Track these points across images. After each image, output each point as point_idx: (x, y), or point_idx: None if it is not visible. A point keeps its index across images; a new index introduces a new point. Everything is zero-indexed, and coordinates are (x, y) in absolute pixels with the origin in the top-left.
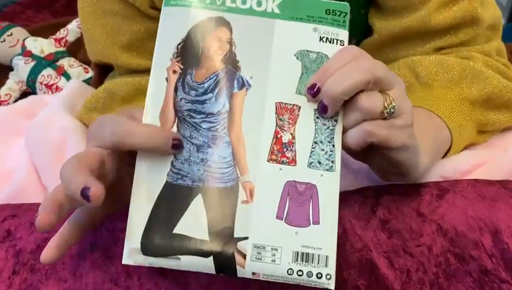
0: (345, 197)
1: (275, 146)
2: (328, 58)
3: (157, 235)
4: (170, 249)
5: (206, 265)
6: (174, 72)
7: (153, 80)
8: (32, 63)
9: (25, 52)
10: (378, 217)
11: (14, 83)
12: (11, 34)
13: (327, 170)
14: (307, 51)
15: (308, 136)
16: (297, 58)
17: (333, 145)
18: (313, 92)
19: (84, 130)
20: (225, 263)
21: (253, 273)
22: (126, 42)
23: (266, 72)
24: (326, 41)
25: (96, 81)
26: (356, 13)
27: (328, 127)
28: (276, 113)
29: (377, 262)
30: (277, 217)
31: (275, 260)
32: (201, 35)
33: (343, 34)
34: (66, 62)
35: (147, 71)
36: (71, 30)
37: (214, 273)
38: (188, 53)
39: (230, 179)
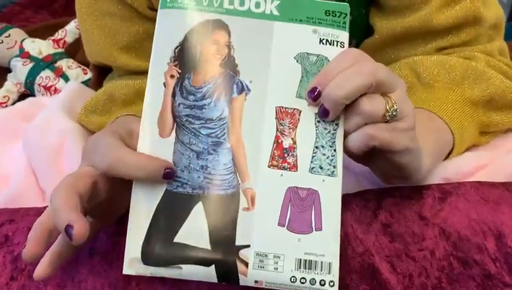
0: (346, 201)
1: (275, 151)
2: (328, 60)
3: (158, 244)
4: (171, 259)
5: (208, 274)
6: (172, 76)
7: (150, 84)
8: (31, 65)
9: (23, 54)
10: (380, 221)
11: (12, 84)
12: (9, 36)
13: (329, 175)
14: (307, 53)
15: (309, 141)
16: (297, 61)
17: (335, 150)
18: (314, 96)
19: (83, 132)
20: (227, 272)
21: (256, 282)
22: (125, 43)
23: (266, 75)
24: (326, 44)
25: (95, 83)
26: (357, 13)
27: (329, 131)
28: (276, 117)
29: (379, 267)
30: (279, 224)
31: (277, 268)
32: (199, 38)
33: (344, 36)
34: (64, 63)
35: (146, 72)
36: (69, 31)
37: (216, 282)
38: (185, 57)
39: (231, 186)
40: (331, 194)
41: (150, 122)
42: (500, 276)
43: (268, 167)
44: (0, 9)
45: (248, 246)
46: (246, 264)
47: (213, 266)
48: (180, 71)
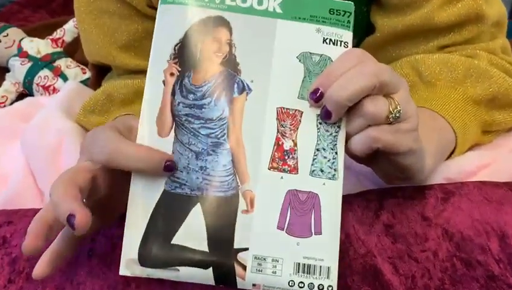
0: (348, 201)
1: (276, 153)
2: (331, 61)
3: (155, 245)
4: (168, 260)
5: (206, 276)
6: (172, 74)
7: (150, 82)
8: (29, 64)
9: (21, 53)
10: (382, 222)
11: (10, 84)
12: (7, 35)
13: (329, 179)
14: (310, 53)
15: (310, 143)
16: (299, 60)
17: (336, 153)
18: (316, 97)
19: (81, 132)
20: (225, 275)
21: (254, 285)
22: (124, 42)
23: (267, 75)
24: (329, 43)
25: (93, 82)
26: (358, 11)
27: (330, 134)
28: (277, 119)
29: (381, 268)
30: (278, 228)
31: (275, 272)
32: (200, 35)
33: (347, 36)
34: (63, 63)
35: (145, 72)
36: (68, 30)
37: (214, 284)
38: (185, 54)
39: (230, 187)
40: (331, 198)
41: (148, 121)
42: (504, 277)
43: (269, 169)
44: None
45: (246, 249)
46: (244, 267)
47: (211, 268)
48: (180, 69)
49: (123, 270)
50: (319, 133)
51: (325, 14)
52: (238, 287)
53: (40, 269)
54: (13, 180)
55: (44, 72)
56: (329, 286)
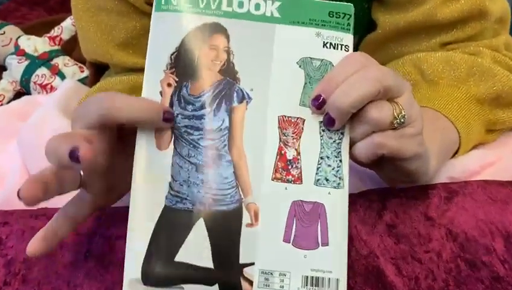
0: (350, 201)
1: (279, 163)
2: (332, 65)
3: (158, 263)
4: (172, 278)
5: None
6: (169, 85)
7: (146, 94)
8: (26, 63)
9: (18, 51)
10: (385, 222)
11: (7, 83)
12: (4, 33)
13: (335, 187)
14: (310, 58)
15: (313, 152)
16: (299, 66)
17: (340, 160)
18: (318, 104)
19: None
20: None
21: None
22: (121, 40)
23: (267, 82)
24: (330, 47)
25: (92, 81)
26: (359, 7)
27: (334, 141)
28: (279, 127)
29: (384, 269)
30: (284, 240)
31: (283, 286)
32: (196, 43)
33: (348, 39)
34: (60, 61)
35: (143, 70)
36: (65, 28)
37: None
38: (182, 64)
39: (233, 200)
40: (337, 207)
41: (146, 133)
42: (509, 278)
43: (272, 180)
44: None
45: (252, 263)
46: (251, 282)
47: (216, 285)
48: (177, 79)
49: None
50: (322, 141)
51: (324, 18)
52: None
53: (34, 245)
54: (9, 180)
55: (42, 71)
56: None
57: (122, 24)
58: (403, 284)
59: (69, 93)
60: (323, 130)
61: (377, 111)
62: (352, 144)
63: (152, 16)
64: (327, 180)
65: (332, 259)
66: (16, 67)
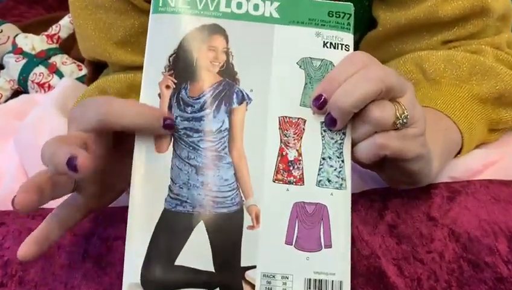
0: (351, 201)
1: (280, 165)
2: (333, 65)
3: (158, 268)
4: (172, 283)
5: None
6: (167, 87)
7: (145, 96)
8: (24, 61)
9: (16, 50)
10: (387, 222)
11: (5, 81)
12: (1, 31)
13: (337, 188)
14: (310, 58)
15: (315, 152)
16: (300, 66)
17: (342, 161)
18: (319, 104)
19: None
20: None
21: None
22: (120, 38)
23: (267, 83)
24: (330, 47)
25: (90, 79)
26: (359, 5)
27: (336, 141)
28: (280, 128)
29: (386, 270)
30: (286, 243)
31: (286, 289)
32: (195, 45)
33: (348, 38)
34: (58, 59)
35: (141, 68)
36: (63, 26)
37: None
38: (181, 65)
39: (234, 203)
40: (340, 209)
41: (145, 136)
42: None
43: (273, 181)
44: None
45: (254, 266)
46: (253, 286)
47: (217, 289)
48: (176, 81)
49: None
50: (323, 142)
51: (324, 17)
52: None
53: (25, 248)
54: (7, 180)
55: (40, 69)
56: None
57: (120, 22)
58: (404, 285)
59: (67, 92)
60: (324, 131)
61: (379, 111)
62: (353, 145)
63: (150, 17)
64: (329, 181)
65: (336, 261)
66: (14, 65)
